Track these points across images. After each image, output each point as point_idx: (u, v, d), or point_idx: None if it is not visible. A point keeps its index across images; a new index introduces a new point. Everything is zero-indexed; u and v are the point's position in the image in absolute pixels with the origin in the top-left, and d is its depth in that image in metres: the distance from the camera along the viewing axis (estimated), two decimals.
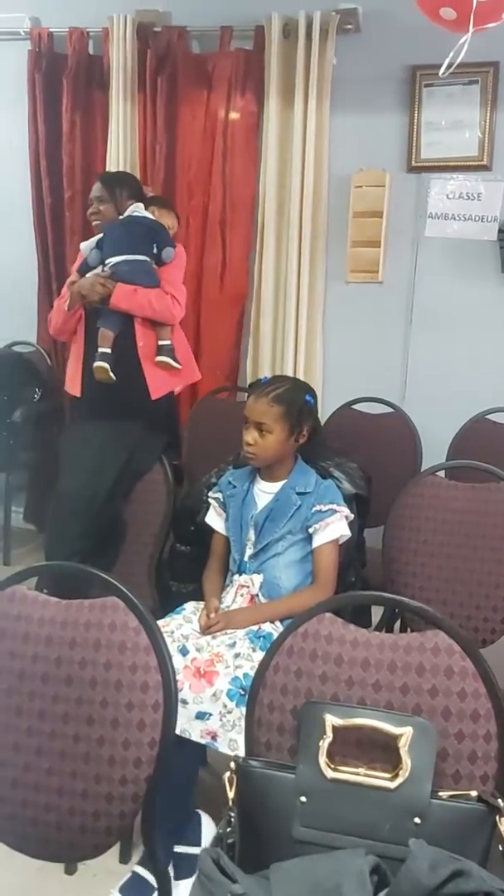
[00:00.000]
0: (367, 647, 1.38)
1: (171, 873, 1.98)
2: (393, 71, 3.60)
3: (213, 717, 1.93)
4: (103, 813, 1.41)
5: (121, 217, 3.12)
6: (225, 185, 3.88)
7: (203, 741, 1.93)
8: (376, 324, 3.83)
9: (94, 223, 3.17)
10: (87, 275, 3.09)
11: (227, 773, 1.36)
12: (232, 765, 1.36)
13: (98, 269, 3.10)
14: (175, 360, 3.12)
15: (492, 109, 3.52)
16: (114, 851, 2.17)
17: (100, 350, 3.01)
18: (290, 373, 3.79)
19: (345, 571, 2.37)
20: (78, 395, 3.16)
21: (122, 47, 3.84)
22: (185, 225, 3.93)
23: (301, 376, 3.82)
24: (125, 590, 1.43)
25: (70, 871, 2.18)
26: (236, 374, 3.98)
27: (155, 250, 3.13)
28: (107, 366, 2.99)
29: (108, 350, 3.01)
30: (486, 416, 3.23)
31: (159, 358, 3.10)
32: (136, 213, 3.13)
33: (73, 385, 3.19)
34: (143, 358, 3.08)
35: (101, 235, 3.12)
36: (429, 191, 3.65)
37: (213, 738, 1.93)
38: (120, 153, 3.91)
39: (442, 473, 2.46)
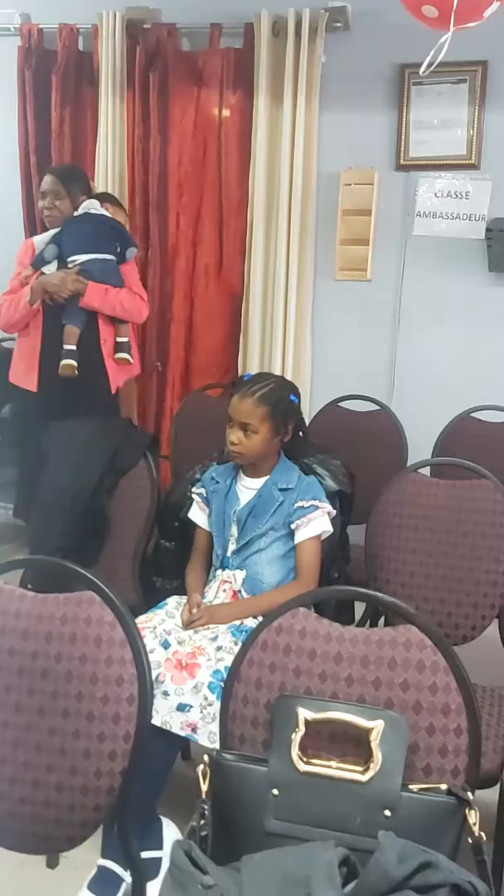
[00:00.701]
0: (340, 642, 1.39)
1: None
2: (382, 69, 3.61)
3: (193, 709, 1.94)
4: (78, 805, 1.42)
5: (77, 213, 3.14)
6: (218, 182, 3.90)
7: (183, 733, 1.94)
8: (364, 322, 3.84)
9: (47, 218, 3.18)
10: (48, 270, 3.11)
11: (201, 766, 1.37)
12: (206, 758, 1.36)
13: (53, 265, 3.12)
14: (130, 355, 3.23)
15: (480, 108, 3.53)
16: (95, 845, 2.18)
17: (66, 347, 3.08)
18: (278, 370, 3.80)
19: (328, 567, 2.38)
20: (34, 389, 3.17)
21: (111, 44, 3.84)
22: (176, 222, 3.95)
23: (289, 373, 3.84)
24: (101, 584, 1.44)
25: (52, 864, 2.18)
26: (234, 370, 3.98)
27: (119, 249, 3.18)
28: (75, 363, 3.04)
29: (74, 347, 3.07)
30: (472, 415, 3.24)
31: (119, 355, 3.21)
32: (93, 211, 3.15)
33: (27, 380, 3.19)
34: (105, 355, 3.18)
35: (56, 230, 3.13)
36: (417, 189, 3.67)
37: (194, 730, 1.93)
38: (109, 149, 3.92)
39: (426, 471, 2.47)
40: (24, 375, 3.21)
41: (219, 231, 3.95)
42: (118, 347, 3.21)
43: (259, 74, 3.67)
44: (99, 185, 3.88)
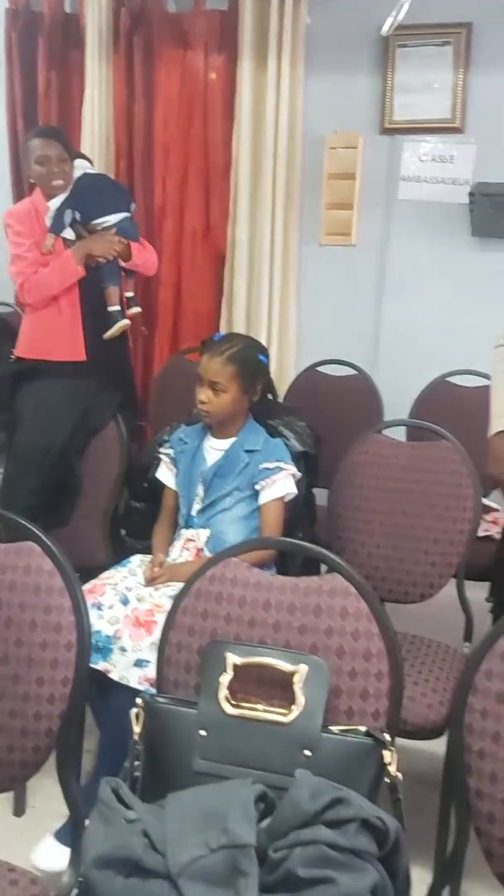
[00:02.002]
0: (269, 590, 1.42)
1: None
2: (366, 32, 3.58)
3: (150, 665, 1.98)
4: (17, 747, 1.46)
5: (85, 173, 3.13)
6: (204, 145, 3.89)
7: (141, 688, 1.98)
8: (349, 286, 3.84)
9: (56, 183, 3.13)
10: (66, 235, 3.07)
11: (135, 710, 1.41)
12: (139, 701, 1.41)
13: (66, 230, 3.09)
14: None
15: (465, 71, 3.51)
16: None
17: (114, 308, 3.05)
18: (264, 335, 3.82)
19: (292, 528, 2.41)
20: (84, 358, 3.00)
21: (97, 6, 3.83)
22: (163, 185, 3.95)
23: (275, 338, 3.86)
24: (40, 534, 1.47)
25: (18, 812, 2.25)
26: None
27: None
28: (129, 321, 3.11)
29: (120, 307, 3.08)
30: (447, 379, 3.25)
31: (134, 309, 3.19)
32: (91, 170, 3.15)
33: (74, 351, 3.00)
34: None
35: (66, 194, 3.12)
36: (401, 153, 3.66)
37: (152, 684, 1.98)
38: (95, 112, 3.92)
39: (390, 433, 2.49)
40: (66, 347, 3.00)
41: (205, 194, 3.95)
42: (130, 302, 3.21)
43: (244, 37, 3.65)
44: (85, 148, 3.88)
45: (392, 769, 1.29)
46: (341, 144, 3.71)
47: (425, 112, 3.60)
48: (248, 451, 2.34)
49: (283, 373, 3.79)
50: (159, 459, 2.48)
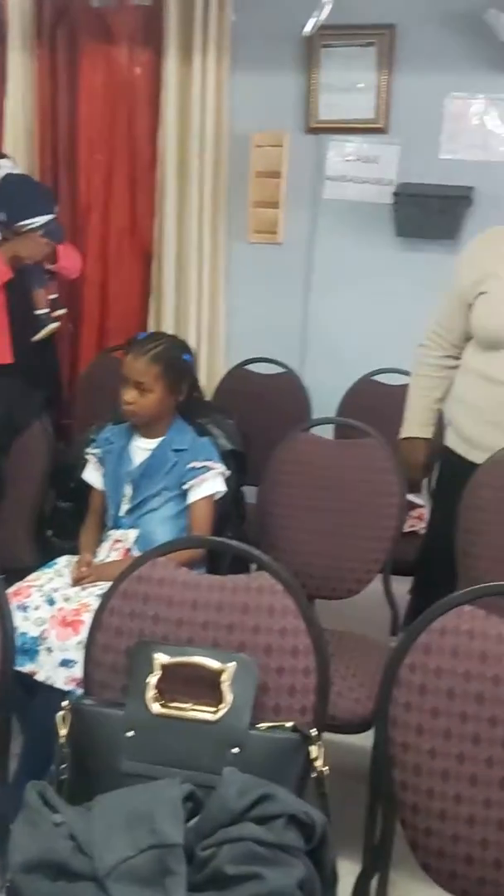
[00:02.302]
0: (198, 589, 1.42)
1: None
2: (292, 30, 3.57)
3: (77, 665, 1.96)
4: None
5: (9, 174, 3.09)
6: (130, 141, 3.87)
7: (67, 688, 1.97)
8: (277, 284, 3.85)
9: None
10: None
11: (61, 713, 1.40)
12: (65, 703, 1.40)
13: None
14: None
15: (388, 73, 3.54)
16: None
17: (41, 311, 3.08)
18: (192, 333, 3.81)
19: (222, 526, 2.41)
20: (9, 361, 3.05)
21: None
22: (87, 181, 3.92)
23: (204, 336, 3.86)
24: None
25: None
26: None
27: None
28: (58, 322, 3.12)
29: (48, 309, 3.07)
30: (373, 377, 3.30)
31: (60, 311, 3.19)
32: (15, 170, 3.11)
33: (0, 353, 3.04)
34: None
35: None
36: (327, 152, 3.69)
37: (78, 685, 1.96)
38: (18, 106, 3.85)
39: (317, 431, 2.52)
40: None
41: (131, 191, 3.92)
42: (55, 304, 3.20)
43: (168, 32, 3.63)
44: (8, 143, 3.82)
45: (319, 764, 1.30)
46: (267, 143, 3.73)
47: (350, 112, 3.63)
48: (176, 451, 2.34)
49: (212, 371, 3.79)
50: (86, 459, 2.46)
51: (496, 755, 1.30)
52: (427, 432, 2.50)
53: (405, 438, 2.50)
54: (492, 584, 1.38)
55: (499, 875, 1.32)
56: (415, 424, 2.50)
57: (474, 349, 2.36)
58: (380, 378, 3.30)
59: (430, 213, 3.48)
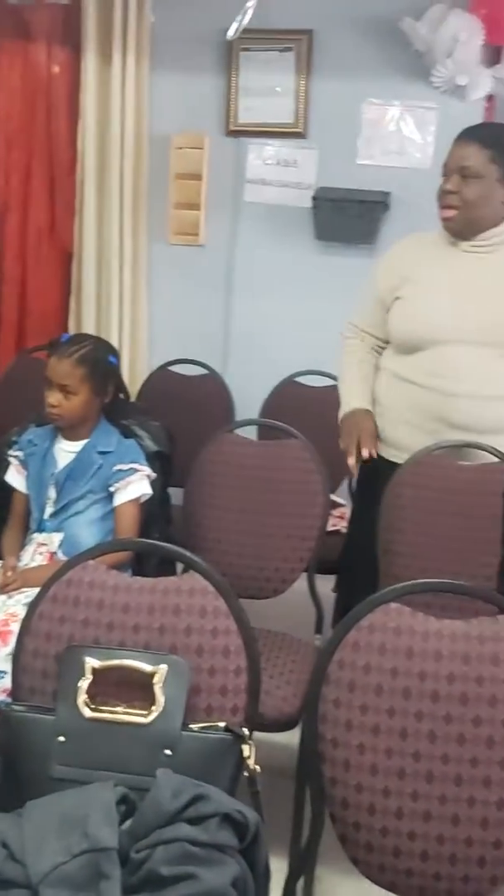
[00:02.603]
0: (128, 592, 1.42)
1: None
2: (211, 33, 3.60)
3: (7, 676, 1.93)
4: None
5: None
6: (49, 141, 3.82)
7: None
8: (199, 286, 3.86)
9: None
10: None
11: None
12: None
13: None
14: None
15: (306, 77, 3.59)
16: None
17: None
18: (115, 334, 3.79)
19: (148, 529, 2.41)
20: None
21: None
22: (6, 180, 3.86)
23: (126, 337, 3.84)
24: None
25: None
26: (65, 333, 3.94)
27: None
28: None
29: None
30: (296, 379, 3.33)
31: None
32: None
33: None
34: None
35: None
36: (247, 155, 3.71)
37: (9, 695, 1.93)
38: None
39: (242, 432, 2.54)
40: None
41: (50, 190, 3.89)
42: None
43: (87, 31, 3.61)
44: None
45: (251, 763, 1.32)
46: (187, 144, 3.73)
47: (269, 116, 3.67)
48: (101, 453, 2.32)
49: (135, 372, 3.78)
50: (8, 462, 2.42)
51: (423, 749, 1.34)
52: (367, 404, 2.40)
53: (348, 414, 2.40)
54: (418, 581, 1.42)
55: (426, 866, 1.36)
56: (353, 398, 2.42)
57: (390, 351, 2.41)
58: (302, 380, 3.34)
59: (349, 218, 3.54)
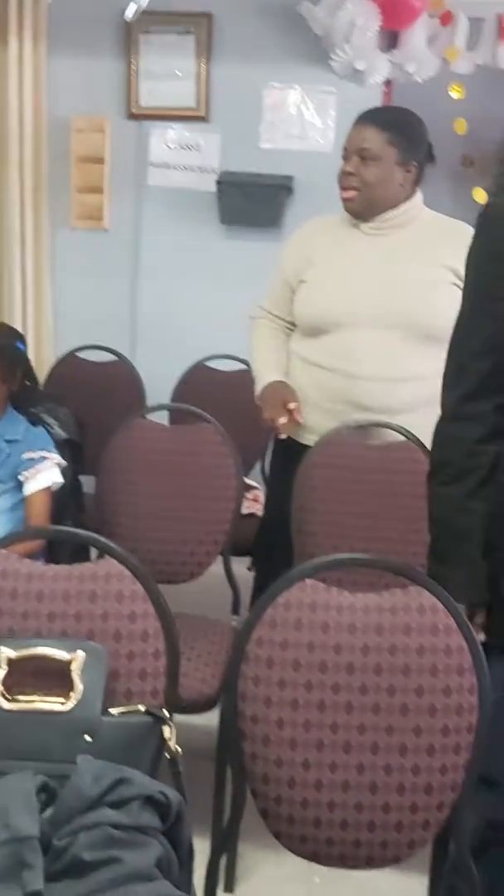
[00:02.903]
0: (43, 580, 1.41)
1: None
2: (110, 15, 3.56)
3: None
4: None
5: None
6: None
7: None
8: (104, 271, 3.83)
9: None
10: None
11: None
12: None
13: None
14: None
15: (207, 61, 3.58)
16: None
17: None
18: (18, 320, 3.72)
19: (59, 517, 2.38)
20: None
21: None
22: None
23: (30, 324, 3.77)
24: None
25: None
26: None
27: None
28: None
29: None
30: (206, 363, 3.34)
31: None
32: None
33: None
34: None
35: None
36: (149, 139, 3.69)
37: None
38: None
39: (153, 417, 2.54)
40: None
41: None
42: None
43: None
44: None
45: (171, 744, 1.32)
46: (88, 128, 3.68)
47: (170, 99, 3.65)
48: (8, 441, 2.29)
49: (41, 359, 3.72)
50: None
51: (340, 720, 1.37)
52: (283, 376, 2.38)
53: (265, 387, 2.37)
54: (332, 557, 1.45)
55: (346, 834, 1.40)
56: (268, 372, 2.39)
57: (297, 334, 2.43)
58: (212, 364, 3.34)
59: (253, 202, 3.56)
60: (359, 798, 1.37)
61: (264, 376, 2.40)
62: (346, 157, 2.30)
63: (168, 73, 3.60)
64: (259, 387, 2.40)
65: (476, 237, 1.60)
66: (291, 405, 2.26)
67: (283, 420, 2.25)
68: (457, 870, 1.45)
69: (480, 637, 1.53)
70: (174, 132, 3.66)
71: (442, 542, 1.60)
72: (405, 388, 2.29)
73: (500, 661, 1.53)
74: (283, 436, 2.31)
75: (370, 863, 1.42)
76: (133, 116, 3.67)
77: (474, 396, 1.53)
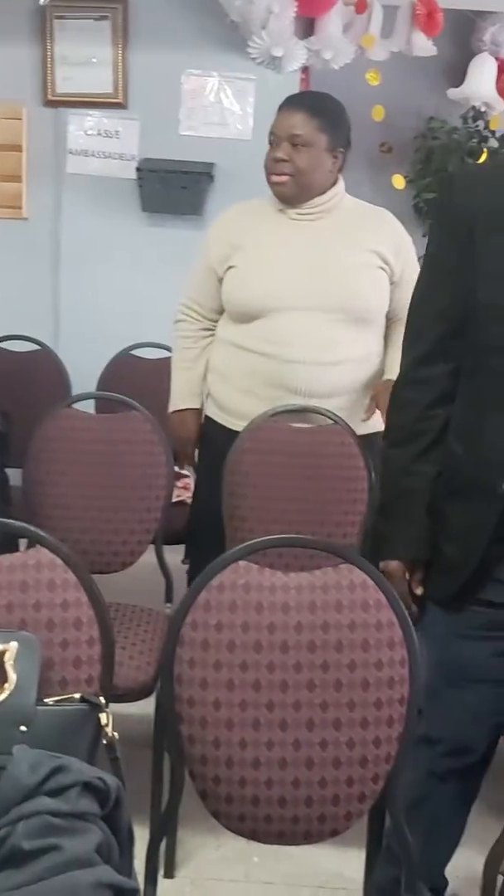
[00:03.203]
0: None
1: None
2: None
3: None
4: None
5: None
6: None
7: None
8: (24, 261, 3.77)
9: None
10: None
11: None
12: None
13: None
14: None
15: (124, 47, 3.55)
16: None
17: None
18: None
19: None
20: None
21: None
22: None
23: None
24: None
25: None
26: None
27: None
28: None
29: None
30: (131, 352, 3.31)
31: None
32: None
33: None
34: None
35: None
36: (68, 126, 3.64)
37: None
38: None
39: (79, 407, 2.51)
40: None
41: None
42: None
43: None
44: None
45: (108, 730, 1.32)
46: (4, 115, 3.62)
47: (87, 86, 3.61)
48: None
49: None
50: None
51: (276, 698, 1.39)
52: (195, 402, 2.50)
53: (174, 412, 2.51)
54: (265, 538, 1.46)
55: (284, 811, 1.41)
56: (181, 396, 2.50)
57: (226, 321, 2.44)
58: (137, 352, 3.32)
59: (174, 189, 3.55)
60: (296, 774, 1.39)
61: (174, 402, 2.53)
62: (274, 143, 2.30)
63: (84, 60, 3.56)
64: (171, 407, 2.53)
65: (435, 209, 1.68)
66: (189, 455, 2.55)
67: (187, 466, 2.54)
68: (393, 833, 1.50)
69: (419, 591, 1.64)
70: (92, 119, 3.62)
71: (389, 500, 1.68)
72: (337, 372, 2.33)
73: (435, 615, 1.60)
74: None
75: (308, 837, 1.44)
76: (50, 103, 3.62)
77: (427, 361, 1.60)
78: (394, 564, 1.64)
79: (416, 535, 1.61)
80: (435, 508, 1.60)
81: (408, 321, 1.67)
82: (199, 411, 2.51)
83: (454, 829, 1.73)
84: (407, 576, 1.64)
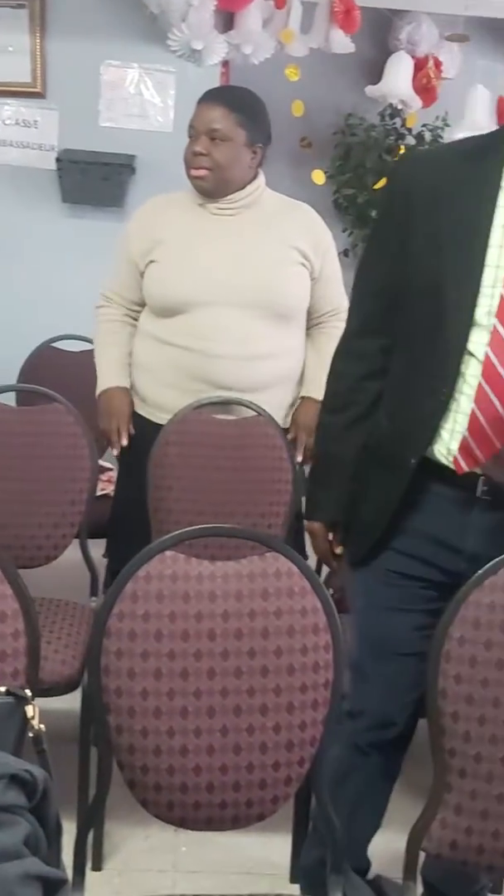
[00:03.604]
0: None
1: None
2: None
3: None
4: None
5: None
6: None
7: None
8: None
9: None
10: None
11: None
12: None
13: None
14: None
15: (41, 36, 3.50)
16: None
17: None
18: None
19: None
20: None
21: None
22: None
23: None
24: None
25: None
26: None
27: None
28: None
29: None
30: (53, 344, 3.28)
31: None
32: None
33: None
34: None
35: None
36: None
37: None
38: None
39: (1, 399, 2.48)
40: None
41: None
42: None
43: None
44: None
45: (35, 722, 1.32)
46: None
47: (4, 74, 3.55)
48: None
49: None
50: None
51: (203, 686, 1.40)
52: (124, 381, 2.44)
53: (103, 392, 2.44)
54: (192, 528, 1.47)
55: (212, 797, 1.43)
56: (108, 376, 2.44)
57: (148, 314, 2.43)
58: (59, 345, 3.29)
59: (94, 180, 3.52)
60: (223, 760, 1.41)
61: (103, 381, 2.46)
62: (193, 137, 2.30)
63: (1, 48, 3.50)
64: (98, 389, 2.46)
65: (382, 191, 1.79)
66: (123, 440, 2.41)
67: (115, 452, 2.45)
68: (319, 814, 1.54)
69: (338, 550, 1.75)
70: (10, 108, 3.56)
71: (318, 465, 1.81)
72: (260, 367, 2.35)
73: (358, 587, 1.73)
74: (115, 451, 2.45)
75: (236, 823, 1.47)
76: None
77: (361, 335, 1.68)
78: (316, 525, 1.76)
79: (337, 499, 1.71)
80: (359, 475, 1.67)
81: (350, 295, 1.75)
82: (127, 390, 2.44)
83: (377, 804, 1.78)
84: (330, 536, 1.75)
